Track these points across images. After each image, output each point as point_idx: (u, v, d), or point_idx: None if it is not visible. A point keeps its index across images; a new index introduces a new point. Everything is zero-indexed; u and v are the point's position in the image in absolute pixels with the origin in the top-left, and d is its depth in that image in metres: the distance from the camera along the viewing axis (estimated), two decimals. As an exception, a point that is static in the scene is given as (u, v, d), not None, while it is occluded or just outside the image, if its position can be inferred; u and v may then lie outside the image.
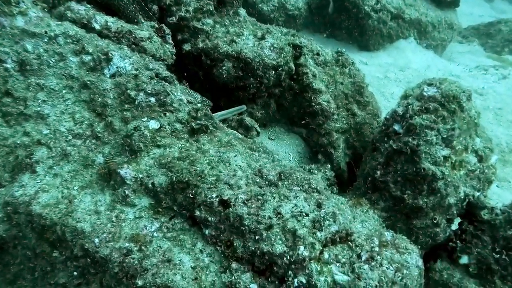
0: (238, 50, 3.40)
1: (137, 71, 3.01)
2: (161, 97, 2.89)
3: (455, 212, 3.01)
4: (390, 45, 7.86)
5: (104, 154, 2.82)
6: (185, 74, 3.86)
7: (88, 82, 2.92)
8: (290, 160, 3.84)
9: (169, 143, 2.68)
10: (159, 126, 2.76)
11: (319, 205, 2.13)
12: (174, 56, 3.57)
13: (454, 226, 3.19)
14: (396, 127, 3.11)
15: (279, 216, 2.08)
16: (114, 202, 2.55)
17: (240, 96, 3.65)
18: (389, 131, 3.17)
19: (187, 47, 3.67)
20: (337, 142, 3.83)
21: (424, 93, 3.04)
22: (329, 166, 3.66)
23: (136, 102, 2.90)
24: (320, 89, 3.78)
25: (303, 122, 3.94)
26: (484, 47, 9.82)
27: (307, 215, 2.07)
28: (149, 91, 2.90)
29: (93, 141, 2.87)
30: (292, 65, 3.62)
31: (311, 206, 2.14)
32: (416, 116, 2.95)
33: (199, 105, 3.07)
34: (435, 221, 2.94)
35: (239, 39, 3.45)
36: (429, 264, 3.13)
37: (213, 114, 3.63)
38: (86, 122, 2.89)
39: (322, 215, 2.06)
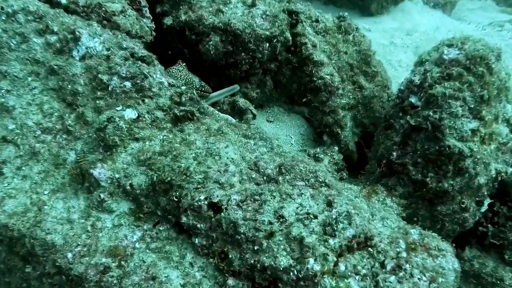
0: (226, 21, 2.94)
1: (109, 52, 2.59)
2: (138, 81, 2.48)
3: (485, 193, 2.62)
4: (395, 7, 7.26)
5: (76, 151, 2.45)
6: (170, 52, 3.41)
7: (56, 67, 2.52)
8: (292, 144, 3.44)
9: (149, 135, 2.29)
10: (136, 115, 2.37)
11: (329, 203, 1.75)
12: (153, 32, 3.11)
13: (484, 208, 2.81)
14: (413, 99, 2.68)
15: (281, 220, 1.70)
16: (89, 208, 2.19)
17: (232, 74, 3.21)
18: (405, 105, 2.74)
19: (168, 21, 3.21)
20: (343, 120, 3.41)
21: (445, 56, 2.59)
22: (336, 148, 3.26)
23: (109, 88, 2.50)
24: (322, 61, 3.33)
25: (304, 100, 3.51)
26: (497, 1, 9.10)
27: (315, 217, 1.69)
28: (124, 75, 2.49)
29: (64, 136, 2.50)
30: (288, 35, 3.16)
31: (319, 205, 1.75)
32: (436, 85, 2.51)
33: (183, 88, 2.65)
34: (463, 206, 2.56)
35: (226, 8, 2.98)
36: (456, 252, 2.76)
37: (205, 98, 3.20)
38: (55, 114, 2.53)
39: (334, 216, 1.67)
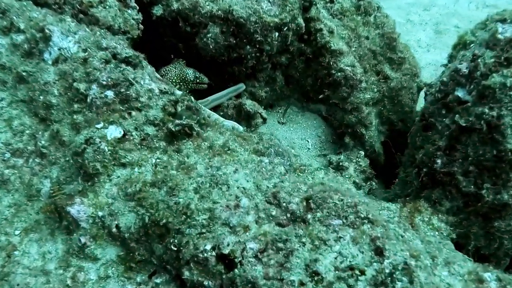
0: (226, 8, 2.45)
1: (86, 53, 2.15)
2: (122, 89, 2.04)
3: (553, 204, 2.15)
4: (408, -20, 6.65)
5: (51, 179, 2.04)
6: (172, 55, 2.89)
7: (25, 74, 2.15)
8: (309, 149, 2.98)
9: (138, 158, 1.85)
10: (122, 133, 1.93)
11: (378, 251, 1.30)
12: (140, 26, 2.63)
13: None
14: (460, 93, 2.20)
15: (316, 278, 1.26)
16: (68, 255, 1.77)
17: (236, 71, 2.73)
18: (449, 100, 2.26)
19: (158, 10, 2.72)
20: (368, 118, 2.94)
21: (499, 36, 2.10)
22: (362, 153, 2.80)
23: (88, 100, 2.07)
24: (341, 50, 2.84)
25: (321, 96, 3.03)
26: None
27: (362, 272, 1.25)
28: (104, 82, 2.05)
29: (37, 159, 2.11)
30: (301, 20, 2.67)
31: (365, 253, 1.31)
32: (492, 74, 2.03)
33: (178, 93, 2.20)
34: (526, 221, 2.10)
35: (226, -7, 2.49)
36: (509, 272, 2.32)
37: (203, 100, 2.74)
38: (27, 131, 2.15)
39: (387, 271, 1.23)
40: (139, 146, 1.89)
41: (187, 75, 2.67)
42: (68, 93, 2.10)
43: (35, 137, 2.13)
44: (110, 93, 2.02)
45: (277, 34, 2.57)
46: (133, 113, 2.01)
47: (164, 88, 2.13)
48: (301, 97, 3.15)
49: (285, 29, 2.60)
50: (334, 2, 3.09)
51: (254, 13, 2.45)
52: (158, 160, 1.83)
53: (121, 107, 2.02)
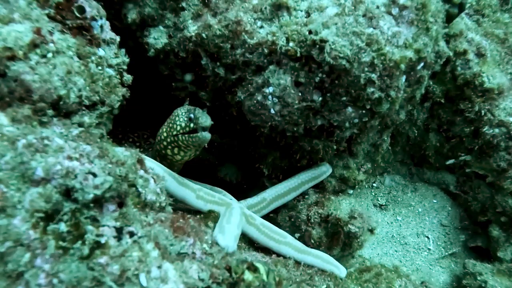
0: (305, 36, 1.14)
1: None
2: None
3: None
4: None
5: None
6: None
7: None
8: (429, 249, 1.76)
9: None
10: None
11: None
12: (126, 76, 1.32)
13: None
14: None
15: None
16: None
17: (319, 148, 1.43)
18: None
19: (158, 40, 1.44)
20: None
21: None
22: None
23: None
24: (500, 87, 1.57)
25: (450, 162, 1.76)
26: None
27: None
28: None
29: None
30: (443, 45, 1.37)
31: None
32: None
33: (234, 262, 0.95)
34: None
35: (304, 3, 1.17)
36: None
37: (255, 201, 1.49)
38: None
39: None
40: None
41: (176, 119, 1.18)
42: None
43: None
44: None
45: (404, 79, 1.27)
46: None
47: (210, 263, 0.86)
48: (409, 159, 1.87)
49: (419, 68, 1.29)
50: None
51: (368, 46, 1.14)
52: None
53: None
